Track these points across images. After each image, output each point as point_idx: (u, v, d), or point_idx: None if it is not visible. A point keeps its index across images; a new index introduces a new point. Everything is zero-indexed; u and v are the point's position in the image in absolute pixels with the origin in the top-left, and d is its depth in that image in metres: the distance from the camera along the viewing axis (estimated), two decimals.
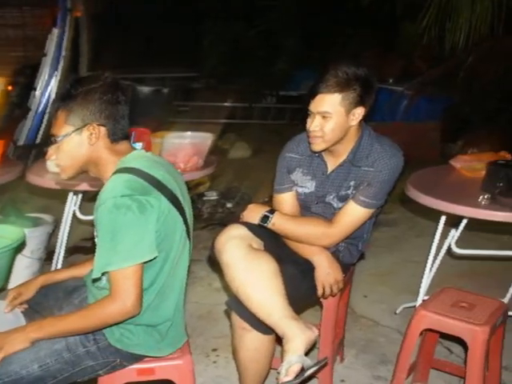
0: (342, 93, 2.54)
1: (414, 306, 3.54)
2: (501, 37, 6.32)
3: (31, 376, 2.05)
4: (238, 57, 11.19)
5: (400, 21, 9.25)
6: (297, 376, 2.25)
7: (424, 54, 8.80)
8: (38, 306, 2.47)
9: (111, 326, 2.11)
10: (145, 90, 9.30)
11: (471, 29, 5.85)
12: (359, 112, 2.61)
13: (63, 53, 6.94)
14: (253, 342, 2.58)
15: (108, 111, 2.08)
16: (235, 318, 2.58)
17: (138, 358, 2.25)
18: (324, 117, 2.57)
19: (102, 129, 2.09)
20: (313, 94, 2.60)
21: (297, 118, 9.74)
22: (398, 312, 3.99)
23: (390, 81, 9.47)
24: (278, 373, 2.30)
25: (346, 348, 3.47)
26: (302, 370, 2.28)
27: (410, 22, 7.61)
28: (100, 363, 2.19)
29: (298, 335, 2.34)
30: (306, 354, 2.35)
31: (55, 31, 6.91)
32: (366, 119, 2.71)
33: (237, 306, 2.54)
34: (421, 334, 2.80)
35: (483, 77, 7.09)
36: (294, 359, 2.29)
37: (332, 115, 2.57)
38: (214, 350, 3.52)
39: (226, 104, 11.10)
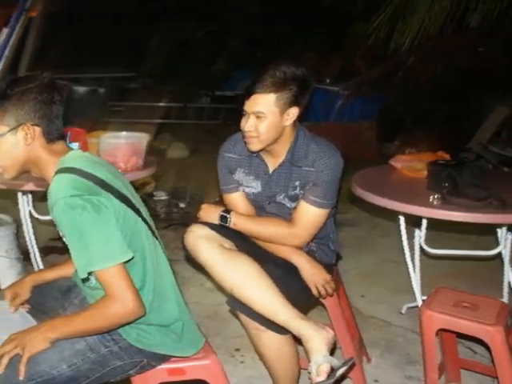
0: (277, 93, 2.55)
1: (417, 306, 3.59)
2: (447, 36, 6.47)
3: (63, 376, 2.06)
4: (183, 57, 11.26)
5: (355, 21, 9.37)
6: (329, 376, 2.25)
7: (366, 54, 8.97)
8: (41, 307, 2.47)
9: (123, 326, 2.11)
10: (81, 89, 9.29)
11: (420, 29, 5.93)
12: (293, 112, 2.62)
13: (6, 53, 6.88)
14: (272, 343, 2.55)
15: (42, 111, 2.09)
16: (245, 318, 2.56)
17: (163, 358, 2.26)
18: (258, 117, 2.57)
19: (37, 129, 2.09)
20: (248, 93, 2.60)
21: (231, 118, 9.79)
22: (403, 312, 4.01)
23: (327, 81, 9.68)
24: (309, 373, 2.30)
25: (369, 349, 3.47)
26: (332, 370, 2.27)
27: (364, 22, 7.70)
28: (128, 363, 2.19)
29: (314, 335, 2.34)
30: (331, 354, 2.35)
31: (5, 31, 6.86)
32: (300, 119, 2.72)
33: (241, 306, 2.54)
34: (437, 334, 2.79)
35: (421, 76, 7.32)
36: (320, 359, 2.28)
37: (266, 115, 2.57)
38: (237, 349, 3.54)
39: (160, 104, 11.20)
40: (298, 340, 2.45)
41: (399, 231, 3.64)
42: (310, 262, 2.73)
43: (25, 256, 4.26)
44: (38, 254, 4.04)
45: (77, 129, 3.65)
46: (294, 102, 2.57)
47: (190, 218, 5.47)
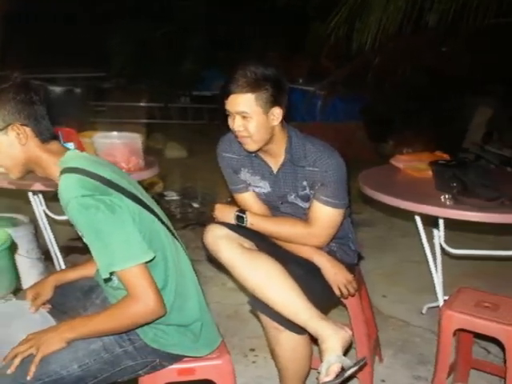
0: (255, 93, 2.56)
1: (438, 306, 3.61)
2: (406, 36, 6.54)
3: (72, 376, 2.08)
4: (145, 57, 11.40)
5: (311, 21, 9.41)
6: (337, 376, 2.28)
7: (330, 53, 9.09)
8: (62, 307, 2.49)
9: (142, 326, 2.14)
10: (57, 89, 9.27)
11: (380, 28, 6.02)
12: (277, 112, 2.63)
13: None
14: (288, 343, 2.58)
15: (26, 111, 2.12)
16: (265, 318, 2.59)
17: (177, 358, 2.29)
18: (244, 117, 2.59)
19: (27, 129, 2.13)
20: (225, 94, 2.62)
21: (216, 118, 9.96)
22: (424, 312, 4.05)
23: (300, 81, 9.77)
24: (319, 373, 2.33)
25: (383, 348, 3.51)
26: (342, 369, 2.31)
27: (321, 22, 7.74)
28: (139, 363, 2.22)
29: (331, 335, 2.37)
30: (344, 354, 2.38)
31: None
32: (286, 119, 2.75)
33: (262, 306, 2.57)
34: (454, 334, 2.83)
35: (391, 77, 7.33)
36: (333, 359, 2.32)
37: (251, 115, 2.58)
38: (252, 350, 3.59)
39: (141, 104, 11.37)
40: (314, 340, 2.49)
41: (417, 231, 3.67)
42: (332, 262, 2.77)
43: (46, 256, 4.30)
44: (59, 254, 4.08)
45: (66, 129, 3.70)
46: (273, 101, 2.59)
47: (205, 218, 5.56)
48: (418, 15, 6.02)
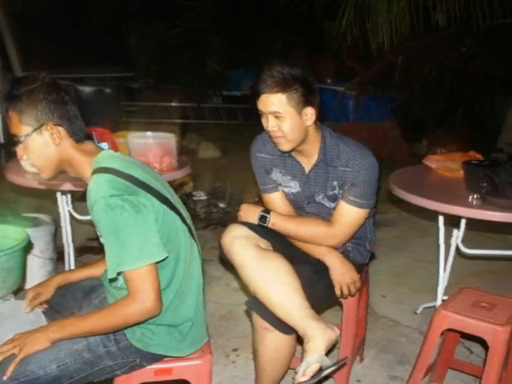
0: (285, 93, 2.57)
1: (434, 306, 3.63)
2: (421, 36, 6.48)
3: (48, 376, 2.09)
4: (167, 57, 11.37)
5: (320, 21, 9.34)
6: (313, 376, 2.30)
7: (350, 53, 9.12)
8: (58, 307, 2.51)
9: (133, 325, 2.16)
10: (87, 89, 9.27)
11: (392, 28, 5.98)
12: (310, 112, 2.64)
13: None
14: (273, 342, 2.63)
15: (59, 111, 2.12)
16: (256, 318, 2.63)
17: (158, 358, 2.29)
18: (277, 117, 2.61)
19: (61, 129, 2.13)
20: (256, 94, 2.64)
21: (250, 117, 9.99)
22: (418, 312, 4.07)
23: (329, 81, 9.73)
24: (296, 372, 2.34)
25: (367, 348, 3.55)
26: (320, 369, 2.32)
27: (330, 22, 7.69)
28: (119, 363, 2.23)
29: (319, 335, 2.38)
30: (327, 353, 2.39)
31: None
32: (320, 119, 2.76)
33: (257, 306, 2.59)
34: (442, 333, 2.85)
35: (418, 77, 7.22)
36: (313, 359, 2.33)
37: (284, 115, 2.60)
38: (235, 349, 3.58)
39: (174, 104, 11.32)
40: (299, 340, 2.52)
41: (438, 231, 3.67)
42: (342, 262, 2.78)
43: (60, 256, 4.39)
44: (72, 254, 4.11)
45: (100, 129, 3.73)
46: (305, 101, 2.60)
47: (228, 218, 5.63)
48: (426, 14, 6.02)
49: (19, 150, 2.17)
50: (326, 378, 2.57)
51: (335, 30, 6.70)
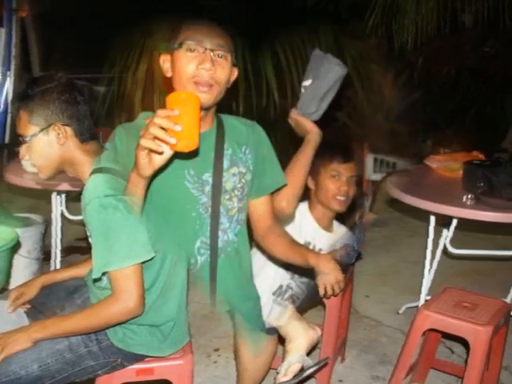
0: None
1: (417, 306, 3.63)
2: (447, 36, 6.43)
3: (30, 376, 2.08)
4: None
5: (346, 21, 9.35)
6: (295, 376, 2.33)
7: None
8: (40, 306, 2.48)
9: (114, 325, 2.14)
10: (101, 90, 9.15)
11: (418, 29, 5.95)
12: None
13: (13, 52, 7.02)
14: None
15: (69, 111, 2.12)
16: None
17: (139, 358, 2.28)
18: None
19: (68, 129, 2.12)
20: None
21: None
22: (400, 312, 4.09)
23: None
24: (277, 372, 2.37)
25: (348, 348, 3.56)
26: (302, 369, 2.35)
27: (357, 22, 7.68)
28: (100, 363, 2.21)
29: (301, 335, 2.41)
30: (308, 354, 2.42)
31: (1, 31, 6.99)
32: None
33: None
34: (423, 334, 2.87)
35: (437, 77, 7.22)
36: (294, 359, 2.36)
37: None
38: (216, 349, 3.61)
39: None
40: (281, 340, 2.54)
41: (427, 231, 3.69)
42: (327, 262, 2.69)
43: (46, 256, 4.38)
44: (58, 255, 4.10)
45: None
46: None
47: None
48: (453, 16, 5.99)
49: (22, 149, 2.17)
50: (308, 378, 2.59)
51: (361, 29, 6.67)
